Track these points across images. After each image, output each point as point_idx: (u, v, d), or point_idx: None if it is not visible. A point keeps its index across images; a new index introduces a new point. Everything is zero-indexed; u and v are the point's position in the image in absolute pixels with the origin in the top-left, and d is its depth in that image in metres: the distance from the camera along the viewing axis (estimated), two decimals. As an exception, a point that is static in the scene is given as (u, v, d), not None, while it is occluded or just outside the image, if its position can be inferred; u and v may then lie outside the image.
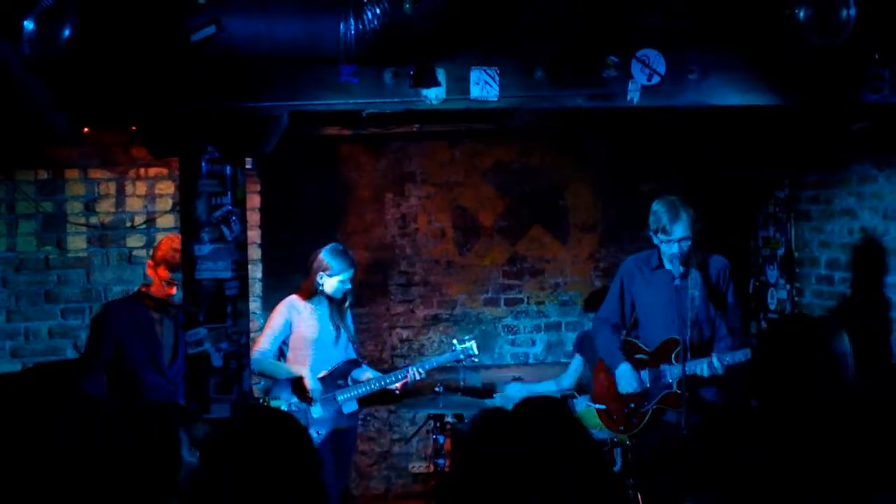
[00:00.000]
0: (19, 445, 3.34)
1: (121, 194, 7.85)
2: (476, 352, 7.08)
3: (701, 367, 5.96)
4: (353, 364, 6.92)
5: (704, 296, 6.10)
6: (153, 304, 6.12)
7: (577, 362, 8.03)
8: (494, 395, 8.06)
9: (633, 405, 6.28)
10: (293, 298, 6.83)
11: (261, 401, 6.84)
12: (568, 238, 9.12)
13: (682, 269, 5.98)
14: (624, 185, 8.96)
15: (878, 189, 7.17)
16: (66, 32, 4.76)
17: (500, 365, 8.86)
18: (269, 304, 7.97)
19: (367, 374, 6.96)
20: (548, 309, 9.10)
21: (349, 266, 6.74)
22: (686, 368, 5.96)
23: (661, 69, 5.66)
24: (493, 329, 9.04)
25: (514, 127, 7.95)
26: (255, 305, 7.67)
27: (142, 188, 7.86)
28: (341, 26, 5.22)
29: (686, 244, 5.99)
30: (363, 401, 6.96)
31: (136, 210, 7.87)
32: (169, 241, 6.05)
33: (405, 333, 8.94)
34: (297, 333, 6.76)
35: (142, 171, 7.84)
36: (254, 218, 7.80)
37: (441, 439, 6.92)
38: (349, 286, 6.81)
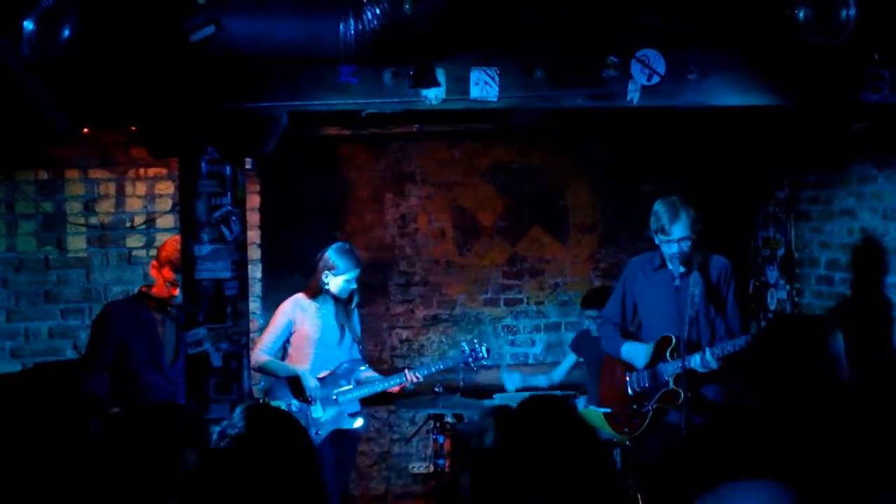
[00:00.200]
0: (19, 445, 3.35)
1: (120, 194, 7.85)
2: (486, 355, 7.07)
3: (694, 361, 5.94)
4: (356, 365, 6.90)
5: (705, 296, 6.09)
6: (154, 305, 6.12)
7: (570, 360, 8.06)
8: (494, 396, 8.06)
9: (635, 406, 6.28)
10: (299, 296, 6.82)
11: (261, 401, 6.83)
12: (568, 238, 9.12)
13: (682, 269, 5.98)
14: (624, 185, 8.96)
15: (878, 189, 7.17)
16: (66, 33, 4.76)
17: (499, 365, 8.85)
18: (269, 305, 7.97)
19: (368, 374, 6.94)
20: (547, 309, 9.11)
21: (355, 266, 6.73)
22: (682, 364, 5.97)
23: (661, 69, 5.65)
24: (493, 329, 9.04)
25: (513, 127, 7.95)
26: (254, 305, 7.67)
27: (141, 188, 7.87)
28: (341, 26, 5.22)
29: (686, 245, 5.99)
30: (363, 401, 6.95)
31: (136, 210, 7.87)
32: (174, 241, 6.04)
33: (405, 334, 8.94)
34: (300, 332, 6.75)
35: (141, 171, 7.84)
36: (253, 218, 7.80)
37: (441, 439, 6.92)
38: (355, 286, 6.80)
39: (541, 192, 9.05)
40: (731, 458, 2.97)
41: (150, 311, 6.11)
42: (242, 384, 5.72)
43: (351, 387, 6.79)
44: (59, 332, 7.72)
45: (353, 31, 5.21)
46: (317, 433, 6.59)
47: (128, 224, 7.85)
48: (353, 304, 6.91)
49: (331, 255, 6.72)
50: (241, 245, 5.73)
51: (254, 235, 7.80)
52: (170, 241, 6.12)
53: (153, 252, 7.54)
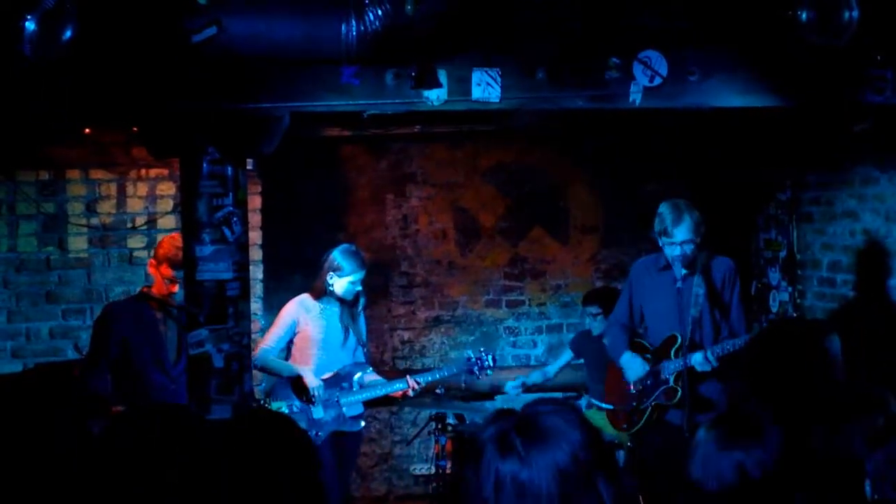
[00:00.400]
0: (20, 445, 3.35)
1: (122, 195, 7.85)
2: (492, 364, 7.04)
3: (695, 360, 5.94)
4: (360, 367, 6.88)
5: (708, 297, 6.09)
6: (156, 305, 6.12)
7: (566, 356, 8.06)
8: (496, 398, 8.06)
9: (634, 403, 6.29)
10: (304, 297, 6.81)
11: (262, 402, 6.83)
12: (569, 239, 9.12)
13: (684, 271, 5.98)
14: (625, 186, 8.96)
15: (881, 191, 7.16)
16: (68, 33, 4.76)
17: (501, 367, 8.83)
18: (270, 305, 7.98)
19: (371, 378, 6.92)
20: (549, 310, 9.10)
21: (360, 267, 6.71)
22: (680, 364, 5.98)
23: (663, 70, 5.65)
24: (495, 331, 9.04)
25: (514, 128, 7.94)
26: (255, 306, 7.67)
27: (143, 189, 7.87)
28: (343, 27, 5.21)
29: (688, 247, 5.98)
30: (365, 403, 6.94)
31: (137, 211, 7.87)
32: (171, 239, 6.05)
33: (406, 335, 8.94)
34: (304, 333, 6.73)
35: (143, 171, 7.84)
36: (255, 219, 7.80)
37: (443, 441, 6.91)
38: (360, 288, 6.77)
39: (542, 192, 9.05)
40: (733, 459, 2.97)
41: (152, 311, 6.12)
42: (244, 385, 5.72)
43: (354, 389, 6.77)
44: (61, 332, 7.72)
45: (354, 32, 5.20)
46: (317, 434, 6.58)
47: (129, 225, 7.85)
48: (360, 307, 6.87)
49: (336, 256, 6.70)
50: (242, 246, 5.73)
51: (255, 236, 7.79)
52: (166, 239, 6.12)
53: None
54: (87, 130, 7.08)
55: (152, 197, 7.88)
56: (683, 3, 5.65)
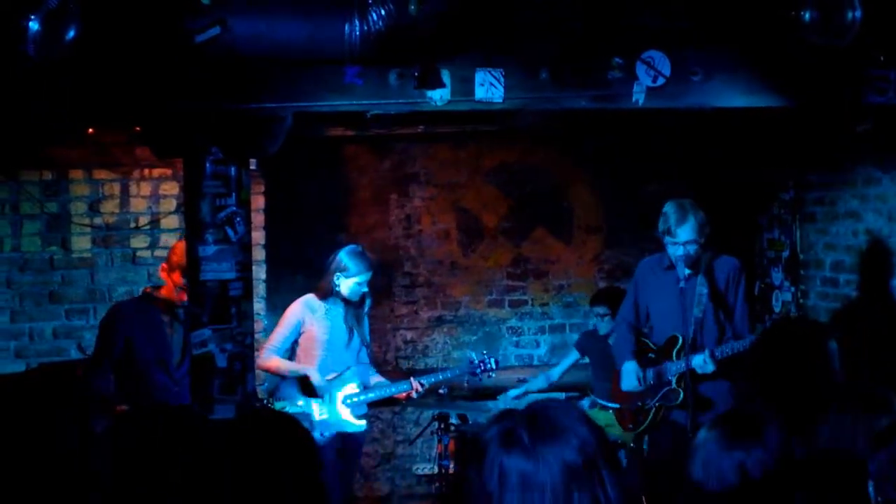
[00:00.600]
0: (23, 445, 3.35)
1: (125, 195, 7.86)
2: (495, 366, 7.03)
3: (696, 361, 5.93)
4: (364, 369, 6.88)
5: (712, 297, 6.09)
6: (162, 306, 6.13)
7: (571, 358, 8.05)
8: (498, 398, 8.06)
9: (639, 403, 6.30)
10: (309, 297, 6.79)
11: (265, 402, 6.83)
12: (572, 239, 9.11)
13: (687, 271, 5.97)
14: (627, 186, 8.95)
15: (883, 191, 7.16)
16: (71, 33, 4.77)
17: (504, 367, 8.83)
18: (273, 305, 7.98)
19: (375, 379, 6.92)
20: (552, 310, 9.10)
21: (367, 268, 6.69)
22: (682, 365, 5.98)
23: (666, 71, 5.65)
24: (498, 331, 9.04)
25: (517, 128, 7.94)
26: (258, 306, 7.68)
27: (146, 189, 7.87)
28: (346, 27, 5.22)
29: (692, 248, 5.98)
30: (368, 403, 6.94)
31: (141, 211, 7.87)
32: (184, 246, 6.03)
33: (409, 335, 8.94)
34: (309, 333, 6.72)
35: (146, 171, 7.85)
36: (258, 219, 7.81)
37: (446, 440, 6.91)
38: (366, 289, 6.75)
39: (545, 193, 9.04)
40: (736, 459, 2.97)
41: (158, 313, 6.12)
42: (247, 385, 5.73)
43: (358, 390, 6.76)
44: (64, 332, 7.73)
45: (358, 32, 5.21)
46: (322, 434, 6.58)
47: (132, 224, 7.85)
48: (366, 309, 6.87)
49: (343, 257, 6.68)
50: (245, 246, 5.74)
51: (258, 236, 7.80)
52: (179, 246, 6.10)
53: (158, 253, 7.57)
54: (90, 130, 7.08)
55: (155, 197, 7.89)
56: (685, 3, 5.65)
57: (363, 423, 6.93)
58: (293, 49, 5.32)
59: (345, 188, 8.82)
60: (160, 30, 5.17)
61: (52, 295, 7.73)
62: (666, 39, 5.67)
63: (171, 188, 7.84)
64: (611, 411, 6.82)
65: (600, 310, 7.76)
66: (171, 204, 7.85)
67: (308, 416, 6.59)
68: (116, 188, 7.84)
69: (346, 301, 6.73)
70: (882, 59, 5.72)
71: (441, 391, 6.97)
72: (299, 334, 6.73)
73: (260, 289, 7.90)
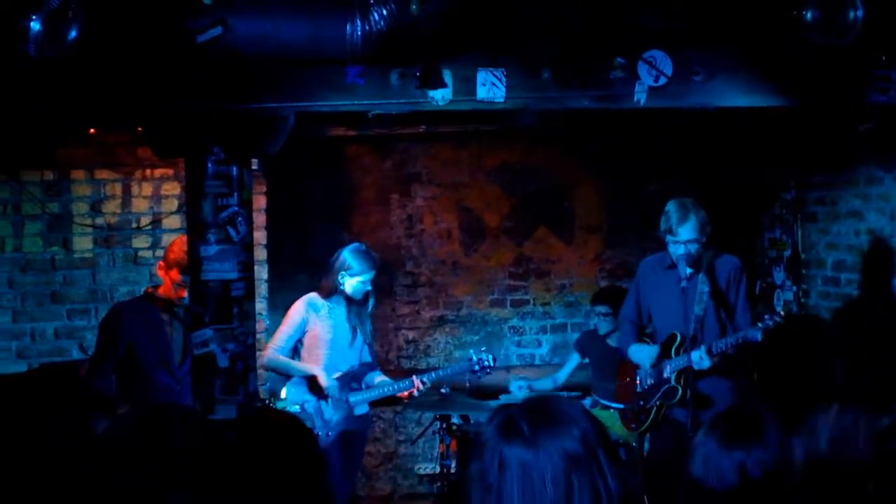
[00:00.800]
0: (24, 445, 3.35)
1: (127, 195, 7.85)
2: (492, 363, 7.03)
3: (693, 357, 5.92)
4: (368, 367, 6.88)
5: (713, 296, 6.08)
6: (162, 306, 6.12)
7: (573, 360, 8.06)
8: (500, 397, 8.06)
9: (640, 402, 6.30)
10: (312, 296, 6.77)
11: (267, 402, 6.83)
12: (573, 239, 9.11)
13: (689, 270, 5.97)
14: (629, 186, 8.95)
15: (885, 191, 7.16)
16: (73, 33, 4.77)
17: (506, 366, 8.84)
18: (275, 305, 7.98)
19: (379, 378, 6.91)
20: (553, 310, 9.10)
21: (370, 267, 6.68)
22: (680, 362, 5.99)
23: (668, 70, 5.66)
24: (499, 330, 9.04)
25: (519, 128, 7.94)
26: (260, 306, 7.67)
27: (148, 189, 7.87)
28: (347, 27, 5.22)
29: (693, 247, 5.98)
30: (371, 402, 6.94)
31: (142, 211, 7.87)
32: (181, 243, 6.02)
33: (411, 334, 8.94)
34: (312, 332, 6.70)
35: (148, 171, 7.84)
36: (259, 219, 7.80)
37: (447, 440, 6.90)
38: (369, 287, 6.74)
39: (547, 192, 9.04)
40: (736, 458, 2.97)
41: (159, 312, 6.12)
42: (248, 385, 5.73)
43: (362, 389, 6.76)
44: (65, 332, 7.73)
45: (359, 32, 5.21)
46: (328, 434, 6.57)
47: (134, 225, 7.85)
48: (369, 308, 6.86)
49: (347, 256, 6.66)
50: (247, 246, 5.74)
51: (260, 236, 7.79)
52: (177, 243, 6.10)
53: (159, 253, 7.55)
54: (91, 130, 7.09)
55: (157, 197, 7.88)
56: (687, 2, 5.65)
57: (366, 421, 6.93)
58: (295, 49, 5.32)
59: (346, 188, 8.82)
60: (162, 30, 5.17)
61: (53, 295, 7.73)
62: (668, 39, 5.67)
63: (173, 188, 7.84)
64: (613, 411, 6.83)
65: (602, 309, 7.76)
66: (173, 204, 7.85)
67: (314, 415, 6.58)
68: (118, 188, 7.84)
69: (349, 300, 6.73)
70: (884, 58, 5.72)
71: (443, 390, 6.97)
72: (303, 333, 6.71)
73: (262, 289, 7.89)
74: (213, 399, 5.61)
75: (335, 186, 8.77)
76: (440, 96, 5.59)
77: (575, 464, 2.15)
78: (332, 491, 6.44)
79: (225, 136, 5.58)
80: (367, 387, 6.80)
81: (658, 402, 6.21)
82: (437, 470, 7.25)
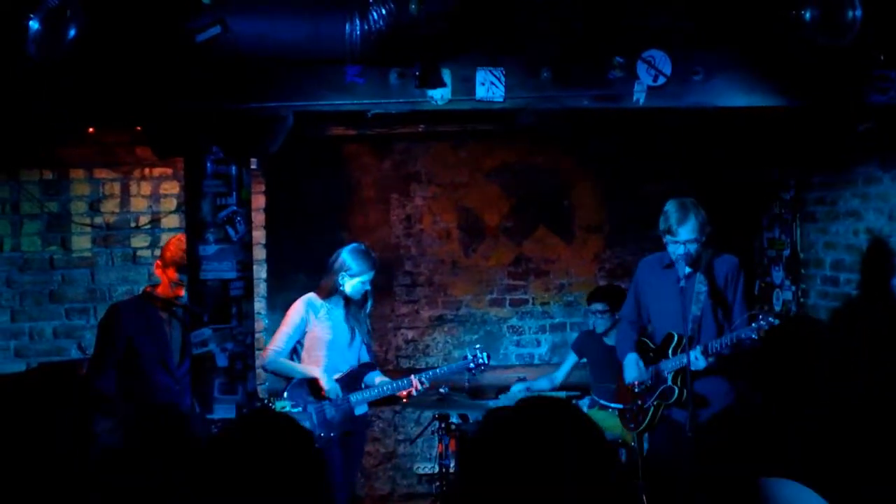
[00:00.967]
0: (23, 444, 3.35)
1: (125, 194, 7.85)
2: (486, 360, 7.03)
3: (691, 357, 5.91)
4: (368, 367, 6.88)
5: (710, 295, 6.08)
6: (161, 305, 6.11)
7: (571, 360, 8.07)
8: (499, 397, 8.06)
9: (639, 402, 6.30)
10: (311, 296, 6.76)
11: (266, 401, 6.83)
12: (573, 239, 9.11)
13: (688, 270, 5.97)
14: (629, 185, 8.96)
15: (884, 190, 7.16)
16: (72, 32, 4.77)
17: (505, 366, 8.85)
18: (274, 305, 7.98)
19: (378, 378, 6.91)
20: (553, 309, 9.10)
21: (370, 267, 6.67)
22: (677, 362, 5.99)
23: (667, 70, 5.66)
24: (498, 330, 9.04)
25: (518, 127, 7.94)
26: (259, 306, 7.67)
27: (146, 188, 7.87)
28: (347, 27, 5.22)
29: (692, 247, 5.97)
30: (370, 402, 6.94)
31: (141, 210, 7.87)
32: (177, 241, 6.01)
33: (410, 334, 8.94)
34: (312, 333, 6.69)
35: (146, 171, 7.84)
36: (258, 218, 7.80)
37: (446, 440, 6.90)
38: (369, 287, 6.74)
39: (546, 192, 9.04)
40: (735, 457, 2.97)
41: (158, 311, 6.10)
42: (247, 384, 5.72)
43: (362, 389, 6.76)
44: (64, 331, 7.72)
45: (358, 32, 5.21)
46: (331, 435, 6.57)
47: (133, 224, 7.85)
48: (367, 309, 6.85)
49: (346, 256, 6.65)
50: (246, 245, 5.74)
51: (259, 235, 7.80)
52: (173, 241, 6.09)
53: (158, 252, 7.55)
54: (90, 130, 7.08)
55: (156, 196, 7.88)
56: (687, 2, 5.65)
57: (367, 422, 6.93)
58: (294, 48, 5.32)
59: (346, 187, 8.82)
60: (161, 29, 5.17)
61: (52, 294, 7.73)
62: (667, 39, 5.67)
63: (172, 187, 7.84)
64: (612, 411, 6.83)
65: (598, 306, 7.77)
66: (172, 203, 7.85)
67: (316, 417, 6.57)
68: (117, 187, 7.83)
69: (348, 300, 6.72)
70: (883, 58, 5.72)
71: (442, 390, 6.97)
72: (303, 334, 6.71)
73: (261, 288, 7.90)
74: (212, 398, 5.61)
75: (334, 186, 8.76)
76: (439, 96, 5.59)
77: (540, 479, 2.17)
78: (333, 491, 6.44)
79: (224, 136, 5.58)
80: (367, 387, 6.79)
81: (655, 403, 6.21)
82: (436, 469, 7.26)
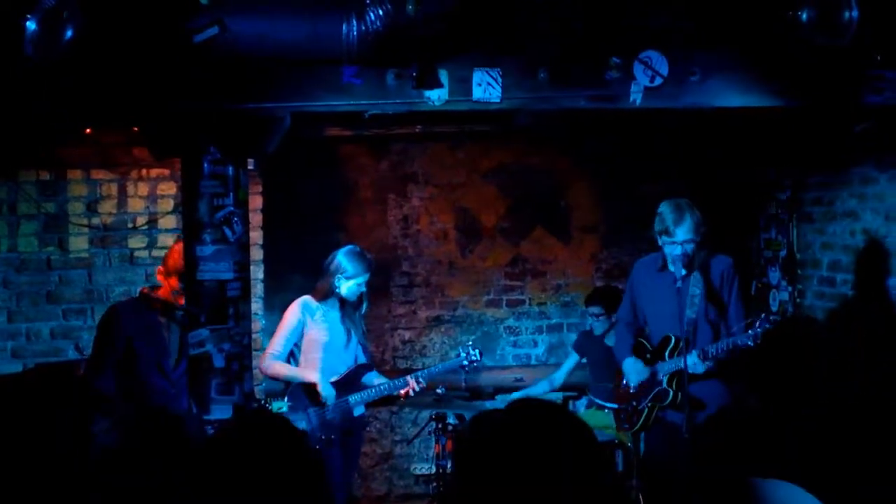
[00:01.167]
0: (20, 445, 3.35)
1: (123, 195, 7.85)
2: (479, 357, 7.04)
3: (689, 361, 5.91)
4: (365, 368, 6.88)
5: (706, 296, 6.08)
6: (160, 308, 6.11)
7: (571, 361, 8.06)
8: (496, 397, 8.07)
9: (633, 403, 6.30)
10: (307, 299, 6.76)
11: (263, 402, 6.83)
12: (570, 239, 9.12)
13: (684, 271, 5.97)
14: (625, 186, 8.96)
15: (880, 191, 7.17)
16: (69, 33, 4.77)
17: (501, 366, 8.86)
18: (271, 305, 7.98)
19: (376, 379, 6.91)
20: (549, 310, 9.11)
21: (366, 269, 6.67)
22: (672, 365, 6.00)
23: (664, 70, 5.66)
24: (495, 330, 9.04)
25: (515, 128, 7.94)
26: (256, 306, 7.67)
27: (144, 189, 7.86)
28: (344, 27, 5.22)
29: (689, 247, 5.98)
30: (368, 403, 6.94)
31: (138, 211, 7.87)
32: (181, 249, 6.00)
33: (407, 335, 8.94)
34: (309, 336, 6.68)
35: (144, 171, 7.84)
36: (255, 219, 7.80)
37: (443, 440, 6.91)
38: (364, 289, 6.75)
39: (543, 192, 9.05)
40: (731, 458, 2.98)
41: (156, 314, 6.10)
42: (244, 385, 5.72)
43: (360, 391, 6.75)
44: (61, 332, 7.72)
45: (355, 32, 5.21)
46: (332, 437, 6.57)
47: (130, 225, 7.85)
48: (363, 310, 6.85)
49: (342, 258, 6.65)
50: (243, 246, 5.73)
51: (256, 236, 7.79)
52: (176, 249, 6.07)
53: (155, 253, 7.57)
54: (87, 131, 7.08)
55: (153, 197, 7.88)
56: (685, 3, 5.66)
57: (364, 422, 6.93)
58: (291, 49, 5.32)
59: (343, 188, 8.82)
60: (160, 30, 5.17)
61: (49, 295, 7.72)
62: (664, 39, 5.67)
63: (169, 188, 7.84)
64: (608, 411, 6.84)
65: (595, 309, 7.77)
66: (169, 204, 7.85)
67: (319, 419, 6.57)
68: (114, 188, 7.83)
69: (343, 302, 6.72)
70: (879, 58, 5.72)
71: (439, 391, 6.97)
72: (300, 337, 6.70)
73: (258, 289, 7.90)
74: (209, 399, 5.61)
75: (331, 186, 8.77)
76: (436, 96, 5.59)
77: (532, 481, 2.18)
78: (333, 492, 6.44)
79: (221, 136, 5.58)
80: (364, 387, 6.79)
81: (649, 404, 6.21)
82: (433, 470, 7.26)
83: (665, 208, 6.06)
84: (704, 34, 5.73)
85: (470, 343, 7.19)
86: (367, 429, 8.39)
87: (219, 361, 5.61)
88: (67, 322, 7.74)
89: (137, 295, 6.40)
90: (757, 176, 8.67)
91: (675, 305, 5.93)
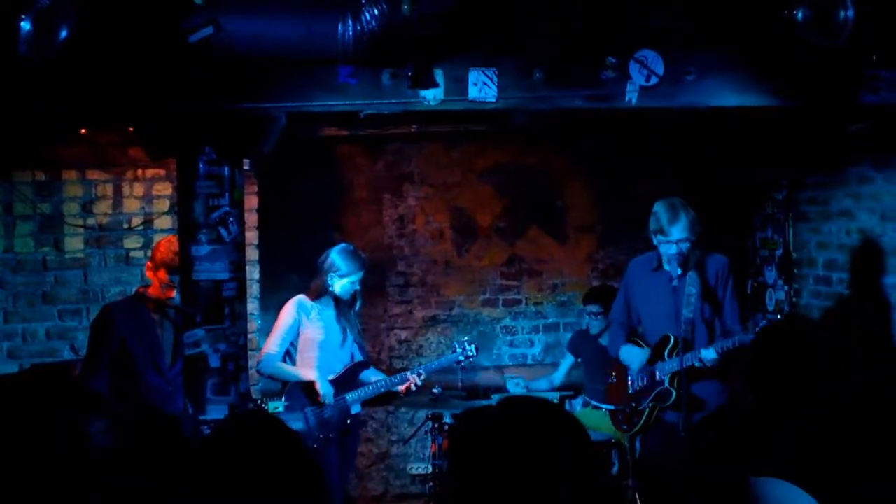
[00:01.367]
0: (16, 447, 3.34)
1: (118, 195, 7.84)
2: (475, 353, 7.05)
3: (686, 361, 5.91)
4: (362, 366, 6.88)
5: (702, 295, 6.08)
6: (153, 306, 6.10)
7: (568, 361, 8.08)
8: (492, 396, 8.06)
9: (633, 404, 6.29)
10: (301, 298, 6.77)
11: (259, 402, 6.82)
12: (566, 239, 9.12)
13: (679, 270, 5.97)
14: (622, 185, 8.96)
15: (876, 190, 7.17)
16: (64, 33, 4.76)
17: (498, 366, 8.85)
18: (267, 306, 7.97)
19: (374, 376, 6.91)
20: (546, 310, 9.11)
21: (359, 268, 6.68)
22: (673, 364, 5.99)
23: (660, 70, 5.66)
24: (492, 330, 9.04)
25: (511, 128, 7.94)
26: (252, 306, 7.66)
27: (139, 189, 7.85)
28: (339, 27, 5.22)
29: (684, 246, 5.98)
30: (364, 402, 6.94)
31: (134, 211, 7.86)
32: (167, 243, 6.01)
33: (403, 334, 8.94)
34: (305, 335, 6.70)
35: (139, 172, 7.83)
36: (251, 219, 7.79)
37: (440, 440, 6.91)
38: (358, 287, 6.75)
39: (539, 192, 9.05)
40: (728, 458, 2.98)
41: (150, 313, 6.09)
42: (240, 385, 5.71)
43: (357, 388, 6.75)
44: (57, 333, 7.71)
45: (351, 32, 5.21)
46: (329, 435, 6.56)
47: (125, 225, 7.83)
48: (357, 308, 6.85)
49: (335, 257, 6.66)
50: (239, 246, 5.73)
51: (251, 236, 7.78)
52: (163, 243, 6.08)
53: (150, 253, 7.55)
54: (82, 131, 7.06)
55: (149, 197, 7.87)
56: (682, 3, 5.65)
57: (361, 421, 6.93)
58: (287, 49, 5.32)
59: (338, 188, 8.81)
60: (155, 30, 5.16)
61: (44, 296, 7.71)
62: (660, 39, 5.67)
63: (165, 188, 7.82)
64: (604, 411, 6.83)
65: (593, 308, 7.77)
66: (165, 204, 7.84)
67: (313, 419, 6.57)
68: (109, 189, 7.82)
69: (338, 301, 6.73)
70: (875, 58, 5.73)
71: (435, 390, 6.97)
72: (296, 336, 6.71)
73: (253, 289, 7.88)
74: (204, 399, 5.60)
75: (327, 186, 8.76)
76: (432, 96, 5.59)
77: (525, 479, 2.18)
78: (331, 492, 6.44)
79: (217, 136, 5.57)
80: (362, 385, 6.79)
81: (651, 405, 6.20)
82: (430, 470, 7.26)
83: (660, 207, 6.06)
84: (701, 34, 5.73)
85: (465, 339, 7.20)
86: (364, 428, 8.39)
87: (214, 362, 5.60)
88: (63, 322, 7.72)
89: (132, 295, 6.40)
90: (753, 175, 8.67)
91: (671, 305, 5.93)
